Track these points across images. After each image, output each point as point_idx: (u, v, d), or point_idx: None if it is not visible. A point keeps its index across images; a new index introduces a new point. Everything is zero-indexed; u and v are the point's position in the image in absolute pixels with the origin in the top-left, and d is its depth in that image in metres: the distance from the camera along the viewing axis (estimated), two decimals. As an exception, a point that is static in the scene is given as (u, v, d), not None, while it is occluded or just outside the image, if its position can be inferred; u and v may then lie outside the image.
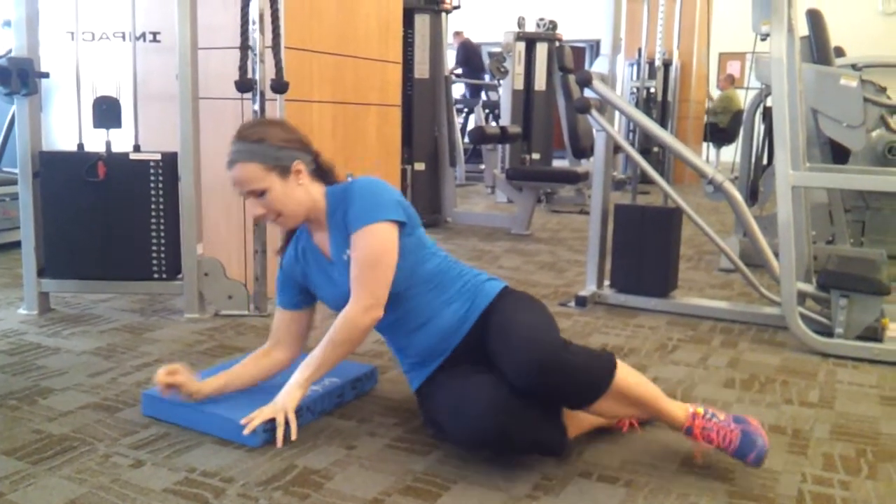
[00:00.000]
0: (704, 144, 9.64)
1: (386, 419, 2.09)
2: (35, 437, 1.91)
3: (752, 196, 4.29)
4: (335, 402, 2.17)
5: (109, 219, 2.96)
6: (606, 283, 3.46)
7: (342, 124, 3.63)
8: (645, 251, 3.30)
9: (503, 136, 5.48)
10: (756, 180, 4.30)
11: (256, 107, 3.00)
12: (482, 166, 6.61)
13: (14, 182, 2.98)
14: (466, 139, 8.39)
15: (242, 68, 2.84)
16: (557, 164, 7.72)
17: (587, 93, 3.20)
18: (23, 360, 2.48)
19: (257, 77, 2.92)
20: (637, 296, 3.32)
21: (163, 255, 3.00)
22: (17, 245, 3.04)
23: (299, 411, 2.01)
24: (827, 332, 2.83)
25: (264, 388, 2.06)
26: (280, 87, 2.84)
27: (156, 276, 3.01)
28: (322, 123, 3.50)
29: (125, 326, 2.90)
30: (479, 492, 1.70)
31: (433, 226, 5.54)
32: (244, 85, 2.83)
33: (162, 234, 2.99)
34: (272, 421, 1.92)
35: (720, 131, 9.23)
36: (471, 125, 9.21)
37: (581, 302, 3.33)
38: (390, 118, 4.01)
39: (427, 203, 5.56)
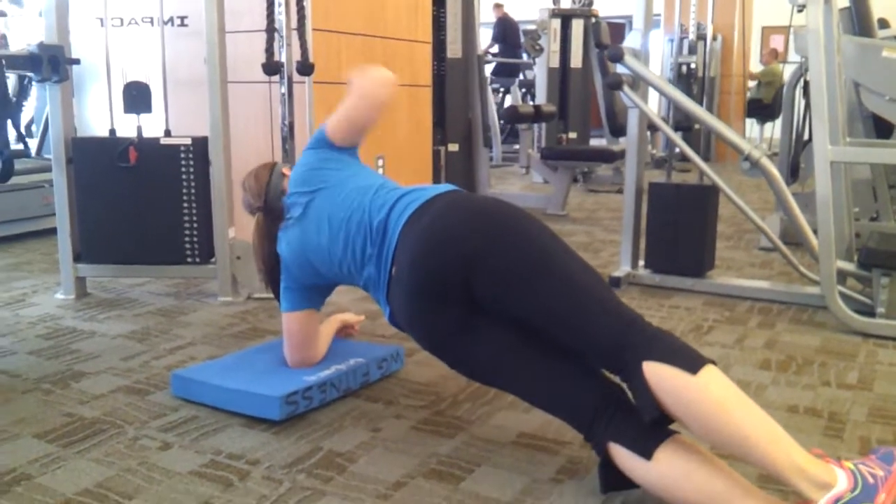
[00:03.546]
0: (748, 120, 9.45)
1: (412, 401, 2.08)
2: (66, 421, 1.95)
3: (793, 173, 4.17)
4: (361, 380, 2.17)
5: (142, 203, 2.99)
6: (641, 263, 3.40)
7: (372, 106, 3.61)
8: (680, 230, 3.23)
9: (537, 116, 5.41)
10: (797, 156, 4.18)
11: (284, 90, 3.00)
12: (517, 146, 6.55)
13: (51, 168, 3.02)
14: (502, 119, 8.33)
15: (269, 51, 2.83)
16: (595, 142, 7.63)
17: (620, 69, 3.13)
18: (58, 345, 2.53)
19: (283, 59, 2.91)
20: (672, 276, 3.26)
21: (195, 239, 3.03)
22: (55, 231, 3.08)
23: (324, 386, 2.03)
24: (868, 311, 2.75)
25: (289, 371, 2.08)
26: (305, 68, 2.83)
27: (189, 260, 3.04)
28: (351, 105, 3.48)
29: (159, 310, 2.93)
30: (503, 475, 1.68)
31: (468, 207, 5.51)
32: (270, 68, 2.83)
33: (194, 218, 3.01)
34: (295, 394, 1.93)
35: (763, 107, 9.01)
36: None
37: (615, 283, 3.28)
38: (421, 99, 3.98)
39: (461, 184, 5.49)
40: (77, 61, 2.98)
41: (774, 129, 5.87)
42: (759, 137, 9.20)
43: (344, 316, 2.43)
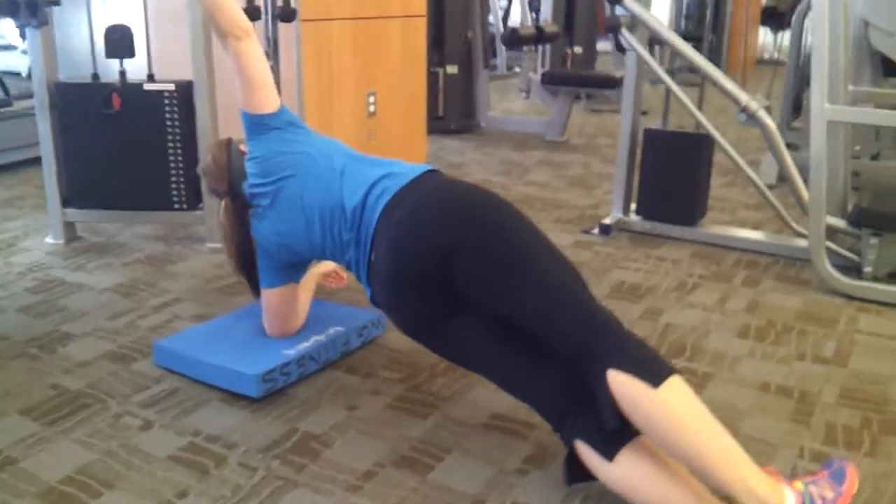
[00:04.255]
0: (762, 29, 9.15)
1: (391, 373, 2.12)
2: (51, 394, 1.99)
3: (796, 108, 4.07)
4: (341, 350, 2.20)
5: (128, 149, 2.96)
6: (634, 206, 3.37)
7: (363, 40, 3.50)
8: (673, 179, 3.19)
9: (540, 37, 5.23)
10: (801, 93, 4.06)
11: (270, 34, 2.90)
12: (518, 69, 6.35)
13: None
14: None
15: (250, -5, 2.72)
16: (602, 48, 7.41)
17: (619, 10, 3.01)
18: (46, 300, 2.56)
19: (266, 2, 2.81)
20: (663, 223, 3.24)
21: (182, 186, 3.01)
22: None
23: (303, 360, 2.06)
24: (856, 268, 2.74)
25: (269, 344, 2.11)
26: (287, 15, 2.73)
27: (176, 206, 3.03)
28: (342, 41, 3.38)
29: (148, 258, 2.95)
30: (471, 464, 1.73)
31: (466, 131, 5.43)
32: (252, 13, 2.72)
33: (181, 164, 2.98)
34: (272, 371, 1.97)
35: (778, 15, 8.67)
36: (514, 13, 8.81)
37: (605, 230, 3.26)
38: (414, 29, 3.85)
39: (460, 107, 5.43)
40: (57, 2, 2.87)
41: (786, 37, 5.68)
42: (773, 49, 8.92)
43: (322, 267, 2.36)
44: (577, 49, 6.75)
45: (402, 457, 1.75)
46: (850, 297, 2.62)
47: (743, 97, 2.85)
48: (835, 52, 2.66)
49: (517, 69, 5.48)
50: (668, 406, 1.45)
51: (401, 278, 1.72)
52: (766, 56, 9.61)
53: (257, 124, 2.00)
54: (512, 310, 1.63)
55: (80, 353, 2.21)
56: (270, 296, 2.12)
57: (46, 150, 2.99)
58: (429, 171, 1.86)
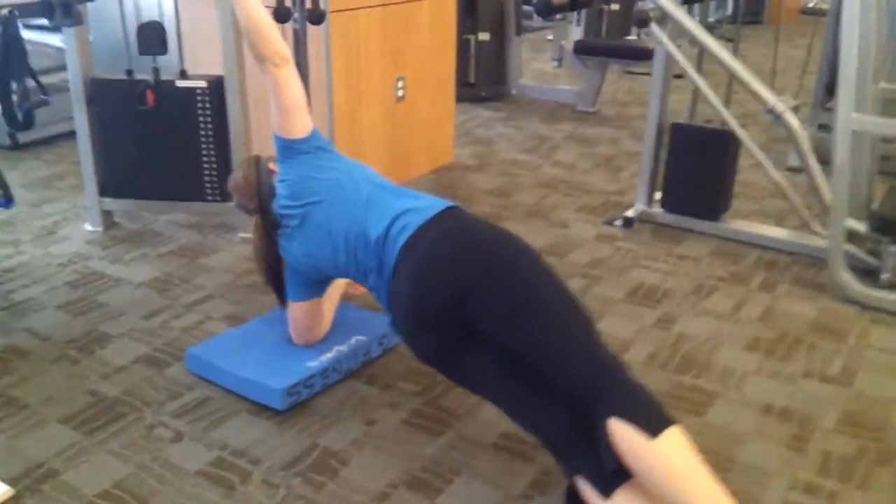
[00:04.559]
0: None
1: (408, 384, 2.22)
2: (89, 401, 2.14)
3: (829, 91, 3.99)
4: (361, 359, 2.30)
5: (162, 144, 3.05)
6: (658, 195, 3.37)
7: (391, 26, 3.51)
8: (698, 173, 3.19)
9: (574, 4, 5.15)
10: (834, 73, 3.97)
11: (297, 25, 2.93)
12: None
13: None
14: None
15: (278, -4, 2.75)
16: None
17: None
18: (85, 296, 2.70)
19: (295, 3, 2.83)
20: (687, 217, 3.26)
21: (215, 178, 3.10)
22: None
23: (325, 372, 2.17)
24: (874, 272, 2.75)
25: (294, 354, 2.22)
26: (316, 17, 2.76)
27: (209, 198, 3.13)
28: (370, 30, 3.40)
29: (182, 249, 3.07)
30: (479, 488, 1.84)
31: (497, 98, 5.41)
32: (281, 14, 2.76)
33: (213, 158, 3.07)
34: (296, 385, 2.09)
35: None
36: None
37: (628, 223, 3.30)
38: (444, 11, 3.84)
39: (492, 75, 5.40)
40: (90, -1, 2.94)
41: None
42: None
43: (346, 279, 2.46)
44: (614, 6, 6.61)
45: (413, 478, 1.87)
46: (865, 307, 2.65)
47: (770, 98, 2.83)
48: (865, 52, 2.61)
49: (549, 36, 5.42)
50: (663, 457, 1.52)
51: (419, 313, 1.81)
52: (811, 4, 9.30)
53: (289, 148, 2.08)
54: (522, 347, 1.71)
55: (116, 357, 2.35)
56: (297, 309, 2.22)
57: (83, 142, 3.09)
58: (450, 208, 1.92)
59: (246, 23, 2.05)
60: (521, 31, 5.42)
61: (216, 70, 2.98)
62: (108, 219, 3.24)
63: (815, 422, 2.07)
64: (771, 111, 2.83)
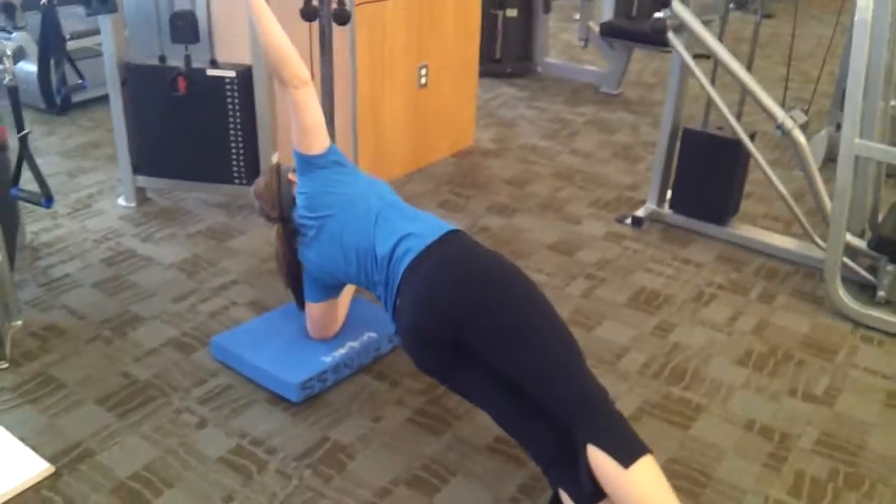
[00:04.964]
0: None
1: (414, 382, 2.39)
2: (123, 383, 2.33)
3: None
4: (373, 355, 2.47)
5: (192, 128, 3.19)
6: (669, 194, 3.47)
7: (416, 17, 3.59)
8: (708, 179, 3.27)
9: (603, -16, 5.16)
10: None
11: (325, 23, 3.03)
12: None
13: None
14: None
15: (307, -6, 2.84)
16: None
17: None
18: (119, 275, 2.88)
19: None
20: (695, 220, 3.36)
21: (242, 163, 3.24)
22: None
23: (338, 367, 2.34)
24: (871, 287, 2.85)
25: (310, 348, 2.39)
26: (342, 17, 2.85)
27: (236, 181, 3.28)
28: (395, 20, 3.48)
29: (210, 230, 3.23)
30: (473, 488, 2.01)
31: (522, 75, 5.46)
32: (308, 13, 2.86)
33: (241, 143, 3.20)
34: (311, 380, 2.26)
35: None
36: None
37: (637, 222, 3.40)
38: (468, 0, 3.89)
39: (517, 51, 5.45)
40: (125, -14, 3.05)
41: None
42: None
43: None
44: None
45: (414, 476, 2.04)
46: (858, 324, 2.76)
47: (779, 114, 2.91)
48: (875, 73, 2.66)
49: (576, 16, 5.43)
50: (635, 485, 1.68)
51: (420, 333, 1.96)
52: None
53: (307, 163, 2.22)
54: (513, 373, 1.86)
55: (147, 339, 2.53)
56: (313, 308, 2.39)
57: (118, 122, 3.24)
58: (452, 232, 2.06)
59: (267, 48, 2.18)
60: (548, 8, 5.44)
61: (247, 59, 3.10)
62: (141, 195, 3.41)
63: (794, 441, 2.22)
64: (779, 127, 2.91)
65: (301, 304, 2.42)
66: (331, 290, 2.36)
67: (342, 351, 2.39)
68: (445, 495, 1.99)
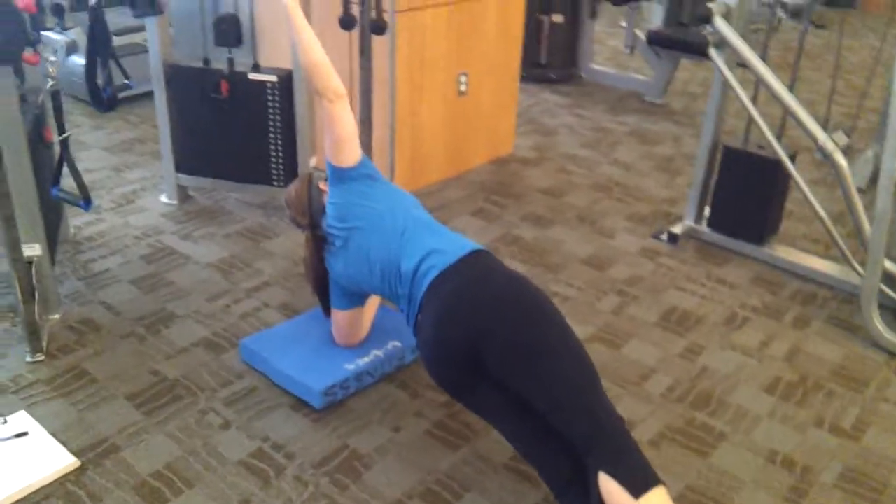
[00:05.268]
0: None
1: (435, 394, 2.40)
2: (152, 381, 2.39)
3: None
4: (396, 364, 2.49)
5: (233, 130, 3.25)
6: (708, 210, 3.42)
7: (457, 24, 3.60)
8: (747, 198, 3.22)
9: (650, -8, 5.10)
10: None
11: (363, 44, 3.05)
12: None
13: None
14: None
15: (345, 3, 2.87)
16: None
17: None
18: (157, 272, 2.95)
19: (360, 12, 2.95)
20: (732, 238, 3.31)
21: (281, 165, 3.30)
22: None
23: (361, 376, 2.37)
24: (910, 317, 2.79)
25: (334, 355, 2.42)
26: (379, 28, 2.87)
27: (275, 183, 3.33)
28: (436, 28, 3.49)
29: (247, 230, 3.29)
30: (485, 506, 2.02)
31: (566, 81, 5.44)
32: (346, 22, 2.89)
33: (280, 146, 3.25)
34: (333, 387, 2.30)
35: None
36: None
37: (673, 239, 3.37)
38: (512, 9, 3.89)
39: (562, 57, 5.42)
40: (172, -11, 3.12)
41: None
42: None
43: None
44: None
45: (428, 490, 2.06)
46: (893, 355, 2.69)
47: (820, 135, 2.85)
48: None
49: (623, 23, 5.38)
50: None
51: (438, 353, 1.98)
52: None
53: (339, 175, 2.25)
54: (529, 396, 1.87)
55: (179, 338, 2.59)
56: (339, 316, 2.42)
57: (162, 122, 3.32)
58: (475, 252, 2.07)
59: (304, 61, 2.21)
60: (595, 13, 5.40)
61: (288, 64, 3.14)
62: (182, 193, 3.48)
63: (816, 475, 2.18)
64: (820, 149, 2.85)
65: (327, 311, 2.46)
66: (357, 298, 2.39)
67: (366, 359, 2.42)
68: (457, 511, 2.01)
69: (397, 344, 2.50)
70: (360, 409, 2.33)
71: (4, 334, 2.55)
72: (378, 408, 2.34)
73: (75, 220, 3.27)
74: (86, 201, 2.46)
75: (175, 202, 3.46)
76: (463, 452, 2.19)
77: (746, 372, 2.59)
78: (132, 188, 3.60)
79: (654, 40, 5.04)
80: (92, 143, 4.02)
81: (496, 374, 1.91)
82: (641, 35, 5.15)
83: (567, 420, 1.81)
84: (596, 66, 5.56)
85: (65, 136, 2.39)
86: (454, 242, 2.11)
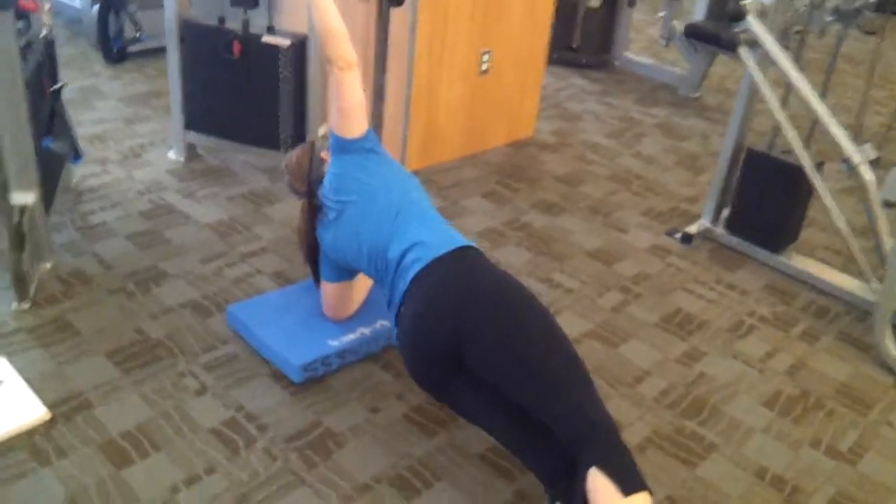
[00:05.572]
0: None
1: (420, 377, 2.34)
2: (135, 339, 2.35)
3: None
4: (382, 344, 2.42)
5: (243, 92, 3.19)
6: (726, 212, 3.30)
7: (483, 1, 3.49)
8: (767, 203, 3.09)
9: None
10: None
11: (382, 15, 2.97)
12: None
13: None
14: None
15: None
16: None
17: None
18: (154, 229, 2.91)
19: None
20: (749, 243, 3.19)
21: (289, 131, 3.23)
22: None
23: (344, 353, 2.31)
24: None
25: (320, 329, 2.36)
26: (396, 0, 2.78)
27: (282, 148, 3.26)
28: (460, 4, 3.38)
29: (251, 193, 3.24)
30: (454, 498, 1.95)
31: (598, 68, 5.30)
32: (369, -11, 2.80)
33: (289, 111, 3.18)
34: (314, 362, 2.24)
35: None
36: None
37: (687, 239, 3.26)
38: (543, -11, 3.77)
39: (596, 43, 5.28)
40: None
41: None
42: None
43: None
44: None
45: (398, 475, 2.00)
46: (902, 378, 2.58)
47: (849, 148, 2.72)
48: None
49: (660, 13, 5.21)
50: None
51: (417, 349, 1.95)
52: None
53: (341, 145, 2.19)
54: (517, 395, 1.82)
55: (168, 297, 2.55)
56: (328, 288, 2.36)
57: (173, 77, 3.26)
58: (463, 248, 2.02)
59: (319, 25, 2.13)
60: (633, 1, 5.24)
61: (303, 28, 3.06)
62: (191, 151, 3.43)
63: (806, 497, 2.08)
64: (846, 161, 2.72)
65: (318, 280, 2.40)
66: (346, 272, 2.32)
67: (351, 336, 2.36)
68: (425, 500, 1.94)
69: (385, 323, 2.43)
70: (340, 386, 2.28)
71: (-6, 279, 2.52)
72: (359, 386, 2.28)
73: (82, 168, 3.23)
74: (75, 156, 2.42)
75: (182, 159, 3.41)
76: (439, 440, 2.12)
77: (746, 382, 2.49)
78: (141, 142, 3.56)
79: (692, 33, 4.87)
80: (108, 94, 3.98)
81: (480, 371, 1.86)
82: (679, 27, 4.99)
83: (559, 419, 1.76)
84: (630, 55, 5.40)
85: (57, 86, 2.34)
86: (443, 235, 2.05)
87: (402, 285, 1.97)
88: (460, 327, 1.85)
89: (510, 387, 1.82)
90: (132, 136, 3.61)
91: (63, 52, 4.40)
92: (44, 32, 2.30)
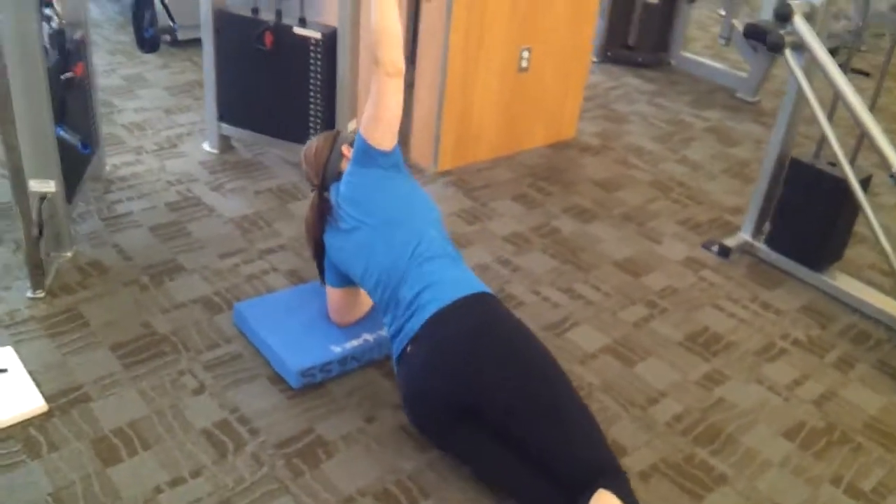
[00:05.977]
0: None
1: (422, 387, 2.28)
2: (141, 333, 2.36)
3: None
4: (385, 352, 2.35)
5: (274, 84, 3.17)
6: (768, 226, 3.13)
7: (525, -1, 3.39)
8: (811, 217, 2.92)
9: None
10: None
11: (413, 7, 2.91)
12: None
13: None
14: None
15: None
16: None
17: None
18: (178, 221, 2.92)
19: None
20: (790, 260, 3.02)
21: (319, 125, 3.20)
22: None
23: (345, 360, 2.27)
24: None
25: (324, 333, 2.33)
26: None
27: (311, 143, 3.24)
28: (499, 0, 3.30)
29: (279, 188, 3.23)
30: (440, 518, 1.90)
31: (653, 67, 5.12)
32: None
33: (319, 104, 3.16)
34: (313, 369, 2.21)
35: None
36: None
37: (724, 252, 3.10)
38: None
39: (653, 41, 5.09)
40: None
41: None
42: None
43: None
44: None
45: (384, 490, 1.95)
46: (943, 415, 2.40)
47: (895, 160, 2.53)
48: None
49: (722, 11, 4.99)
50: None
51: (428, 399, 1.95)
52: None
53: (367, 153, 2.13)
54: (531, 442, 1.83)
55: (180, 292, 2.55)
56: (333, 293, 2.32)
57: (208, 68, 3.27)
58: (479, 295, 1.99)
59: (377, 25, 2.04)
60: (694, -1, 5.04)
61: (335, 21, 3.02)
62: (225, 143, 3.45)
63: (816, 539, 1.96)
64: (893, 175, 2.54)
65: (324, 278, 2.37)
66: (349, 278, 2.28)
67: (355, 342, 2.32)
68: (409, 518, 1.89)
69: (392, 330, 2.38)
70: (339, 392, 2.24)
71: (16, 266, 2.57)
72: (357, 394, 2.24)
73: (115, 158, 3.28)
74: (84, 144, 2.43)
75: (216, 151, 3.43)
76: (431, 455, 2.06)
77: (767, 411, 2.35)
78: (178, 132, 3.59)
79: (751, 34, 4.64)
80: (154, 82, 4.03)
81: (495, 424, 1.89)
82: (739, 26, 4.77)
83: (572, 465, 1.78)
84: (687, 55, 5.20)
85: (66, 75, 2.35)
86: (460, 278, 2.02)
87: (414, 326, 1.94)
88: (476, 382, 1.85)
89: (526, 436, 1.83)
90: (170, 125, 3.64)
91: (115, 38, 4.51)
92: (56, 22, 2.32)
